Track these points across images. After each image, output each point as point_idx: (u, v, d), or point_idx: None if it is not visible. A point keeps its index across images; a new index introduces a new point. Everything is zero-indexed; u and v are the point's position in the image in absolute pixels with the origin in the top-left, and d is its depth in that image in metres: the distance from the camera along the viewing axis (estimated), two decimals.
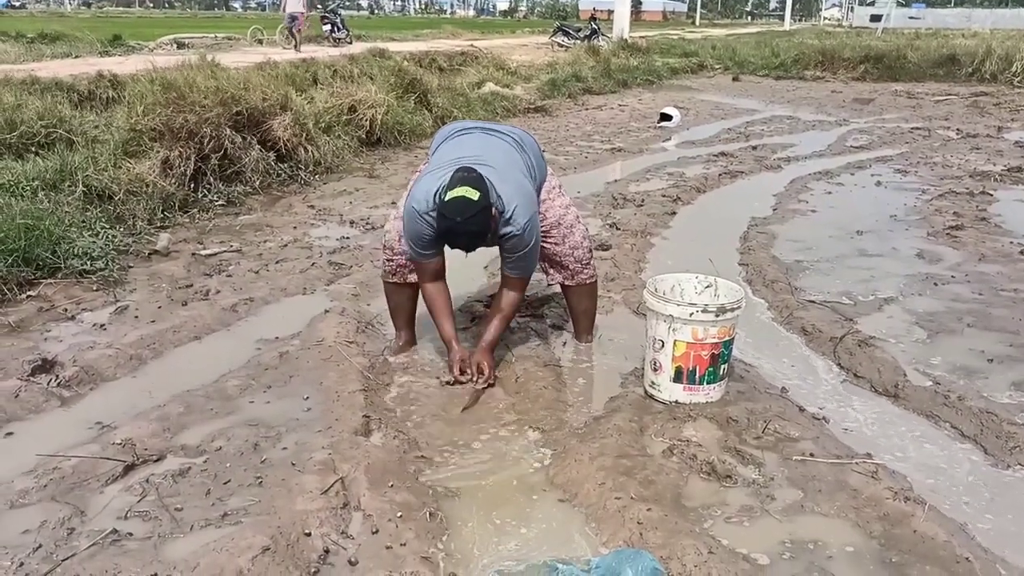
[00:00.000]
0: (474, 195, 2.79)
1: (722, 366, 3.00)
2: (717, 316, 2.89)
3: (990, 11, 61.91)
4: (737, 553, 2.21)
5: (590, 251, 3.50)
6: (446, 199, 2.81)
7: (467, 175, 2.87)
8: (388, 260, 3.42)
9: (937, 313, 4.05)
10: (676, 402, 3.02)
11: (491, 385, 3.18)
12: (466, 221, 2.79)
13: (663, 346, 2.99)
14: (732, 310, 2.92)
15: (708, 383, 3.00)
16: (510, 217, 2.97)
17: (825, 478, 2.58)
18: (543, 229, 3.31)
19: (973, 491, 2.56)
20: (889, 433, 2.93)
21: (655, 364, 3.05)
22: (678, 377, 3.00)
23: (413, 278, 3.37)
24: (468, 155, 3.10)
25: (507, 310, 3.24)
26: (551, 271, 3.52)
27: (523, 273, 3.19)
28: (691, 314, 2.89)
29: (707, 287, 3.26)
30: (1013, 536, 2.33)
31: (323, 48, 17.72)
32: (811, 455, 2.70)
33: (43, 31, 18.67)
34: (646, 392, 3.14)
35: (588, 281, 3.52)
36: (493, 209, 2.88)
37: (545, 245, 3.37)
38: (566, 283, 3.52)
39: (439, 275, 3.21)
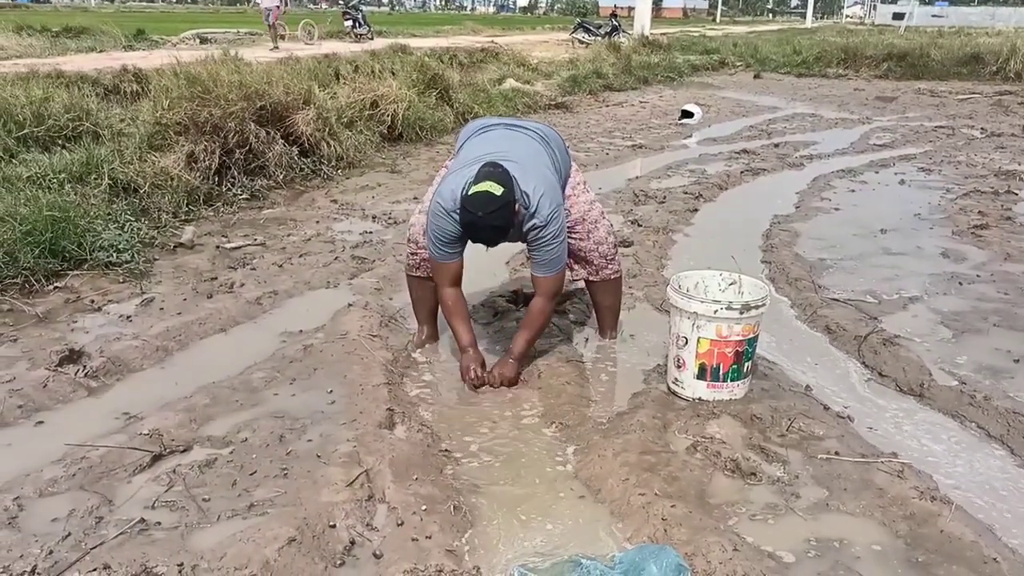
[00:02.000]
0: (498, 190, 2.80)
1: (746, 363, 2.99)
2: (741, 313, 2.87)
3: (1014, 10, 61.10)
4: (762, 551, 2.21)
5: (614, 247, 3.51)
6: (469, 193, 2.83)
7: (493, 170, 2.88)
8: (412, 254, 3.44)
9: (962, 312, 4.01)
10: (699, 399, 3.02)
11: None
12: (488, 215, 2.80)
13: (687, 343, 2.98)
14: (756, 307, 2.91)
15: (732, 380, 2.99)
16: (535, 210, 2.98)
17: (850, 477, 2.57)
18: (567, 225, 3.31)
19: (1000, 492, 2.54)
20: (915, 432, 2.91)
21: (678, 361, 3.03)
22: (702, 374, 2.98)
23: None
24: (493, 151, 3.10)
25: (538, 320, 3.20)
26: (575, 267, 3.51)
27: (551, 270, 3.12)
28: (715, 311, 2.88)
29: (731, 284, 3.25)
30: None
31: (345, 44, 17.74)
32: (836, 453, 2.69)
33: (67, 25, 18.84)
34: (669, 389, 3.14)
35: (612, 277, 3.51)
36: (517, 205, 2.88)
37: (570, 240, 3.37)
38: (590, 279, 3.52)
39: (456, 280, 3.21)
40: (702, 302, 2.93)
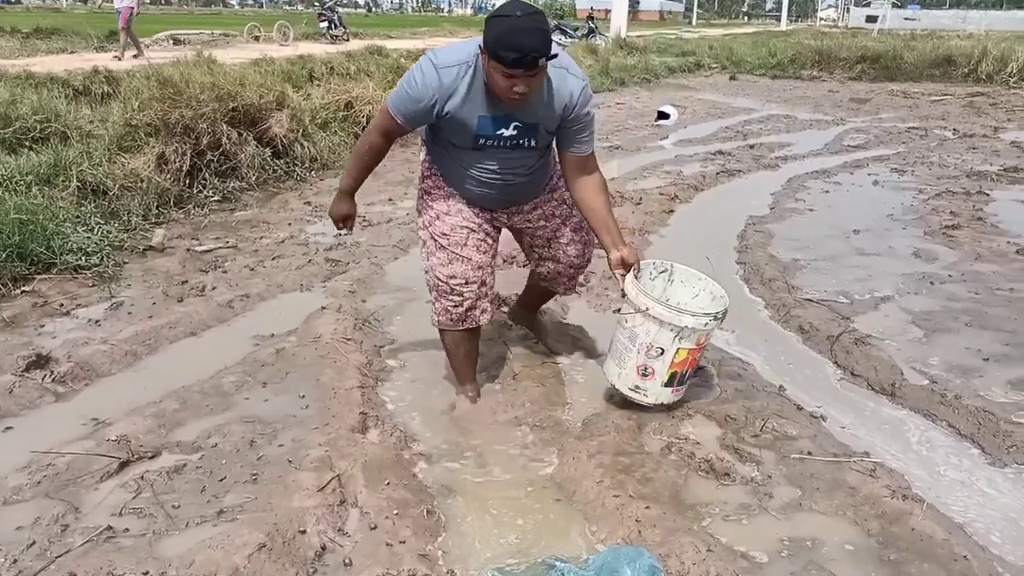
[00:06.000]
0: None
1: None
2: (722, 321, 2.80)
3: (984, 12, 62.10)
4: (735, 551, 2.21)
5: (584, 267, 3.21)
6: (498, 7, 2.37)
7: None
8: (455, 306, 2.87)
9: (934, 312, 4.05)
10: (661, 404, 2.92)
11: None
12: (529, 16, 2.30)
13: (662, 353, 2.77)
14: (727, 311, 2.83)
15: (688, 380, 2.93)
16: (568, 66, 2.57)
17: (823, 476, 2.58)
18: (552, 228, 3.02)
19: (970, 489, 2.56)
20: (886, 431, 2.93)
21: (645, 369, 2.82)
22: (670, 382, 2.85)
23: (484, 319, 2.94)
24: None
25: (607, 200, 2.82)
26: (551, 282, 3.18)
27: (592, 146, 2.75)
28: (705, 324, 2.72)
29: (662, 272, 3.06)
30: (1010, 534, 2.34)
31: (320, 45, 17.65)
32: (809, 453, 2.70)
33: (39, 26, 18.61)
34: (615, 389, 2.95)
35: (573, 292, 3.34)
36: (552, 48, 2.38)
37: (558, 242, 3.04)
38: (555, 290, 3.27)
39: (390, 140, 2.72)
40: (693, 315, 2.71)
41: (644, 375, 2.84)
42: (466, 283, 2.82)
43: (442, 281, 2.83)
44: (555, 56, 2.39)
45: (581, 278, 3.19)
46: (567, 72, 2.56)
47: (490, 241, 2.90)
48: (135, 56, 13.12)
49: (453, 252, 2.80)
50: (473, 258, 2.81)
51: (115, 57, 12.71)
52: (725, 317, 2.80)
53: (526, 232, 3.03)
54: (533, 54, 2.29)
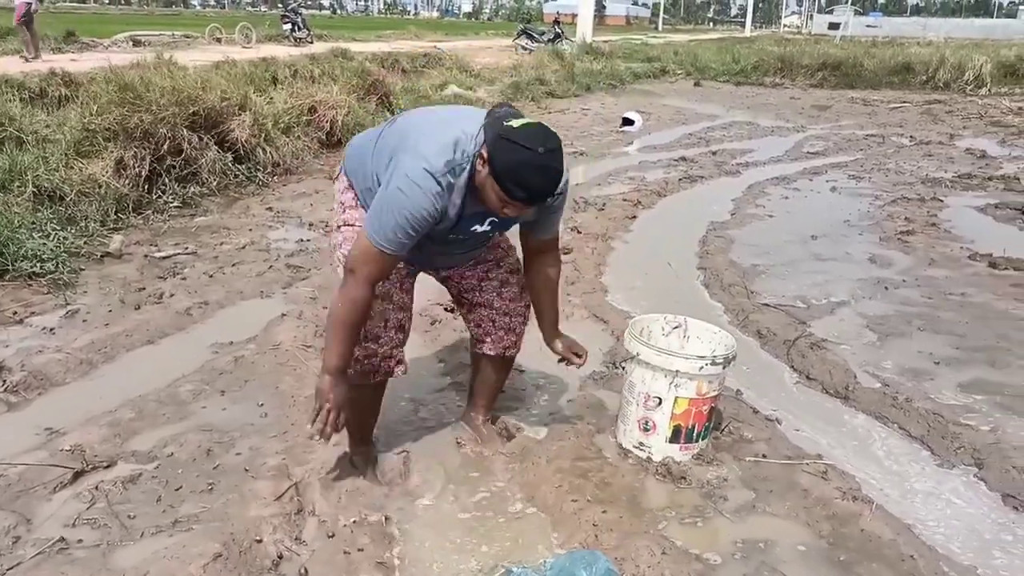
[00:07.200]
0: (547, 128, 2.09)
1: (714, 417, 2.76)
2: (725, 367, 2.59)
3: (944, 20, 63.43)
4: (690, 553, 2.24)
5: (526, 316, 2.73)
6: (518, 126, 2.03)
7: (517, 111, 2.16)
8: (367, 356, 2.39)
9: (887, 316, 4.13)
10: (672, 460, 2.69)
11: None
12: (550, 154, 2.01)
13: (660, 403, 2.62)
14: (734, 357, 2.65)
15: (703, 439, 2.72)
16: None
17: (777, 479, 2.63)
18: (482, 270, 2.64)
19: (919, 491, 2.62)
20: (839, 434, 2.99)
21: (647, 423, 2.67)
22: (675, 437, 2.65)
23: (399, 371, 2.48)
24: (465, 112, 2.35)
25: (557, 289, 2.63)
26: (487, 338, 2.70)
27: (559, 226, 2.54)
28: (700, 368, 2.54)
29: (675, 327, 2.92)
30: (956, 535, 2.40)
31: (284, 47, 17.51)
32: (764, 456, 2.75)
33: None
34: (620, 446, 2.79)
35: (511, 353, 2.76)
36: None
37: (492, 296, 2.65)
38: (488, 352, 2.71)
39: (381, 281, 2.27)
40: (686, 359, 2.56)
41: (646, 430, 2.69)
42: (384, 325, 2.38)
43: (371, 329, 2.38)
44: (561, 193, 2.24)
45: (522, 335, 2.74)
46: None
47: (410, 281, 2.50)
48: (32, 58, 11.65)
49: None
50: (394, 297, 2.40)
51: (22, 58, 11.89)
52: (728, 364, 2.60)
53: (453, 278, 2.64)
54: (542, 199, 2.10)
